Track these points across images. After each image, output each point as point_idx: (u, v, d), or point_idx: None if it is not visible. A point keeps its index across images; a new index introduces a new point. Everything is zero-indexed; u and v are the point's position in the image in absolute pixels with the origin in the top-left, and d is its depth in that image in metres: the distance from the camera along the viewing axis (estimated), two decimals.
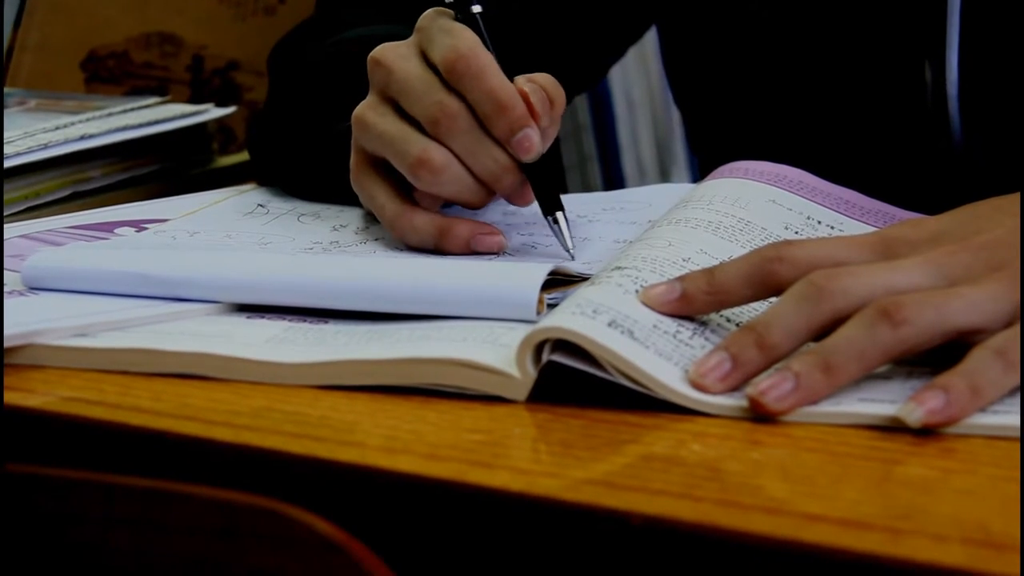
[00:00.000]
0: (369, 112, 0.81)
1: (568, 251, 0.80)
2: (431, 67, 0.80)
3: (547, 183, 0.81)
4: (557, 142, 0.98)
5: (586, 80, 1.14)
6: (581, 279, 0.72)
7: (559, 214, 0.80)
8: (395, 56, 0.81)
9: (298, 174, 0.95)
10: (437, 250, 0.81)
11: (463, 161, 0.79)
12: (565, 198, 0.91)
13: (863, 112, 0.94)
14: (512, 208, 0.89)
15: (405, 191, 0.82)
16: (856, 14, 0.93)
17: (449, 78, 0.79)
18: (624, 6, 1.07)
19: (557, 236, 0.80)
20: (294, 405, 0.64)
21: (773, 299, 0.64)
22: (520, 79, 0.79)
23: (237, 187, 1.00)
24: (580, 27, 1.05)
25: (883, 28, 0.92)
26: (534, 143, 0.78)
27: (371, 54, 0.82)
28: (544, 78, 0.80)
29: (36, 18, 1.39)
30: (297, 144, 0.94)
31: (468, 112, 0.79)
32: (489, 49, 0.80)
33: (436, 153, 0.79)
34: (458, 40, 0.79)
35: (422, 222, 0.81)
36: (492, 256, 0.81)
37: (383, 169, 0.82)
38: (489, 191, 0.81)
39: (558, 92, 0.80)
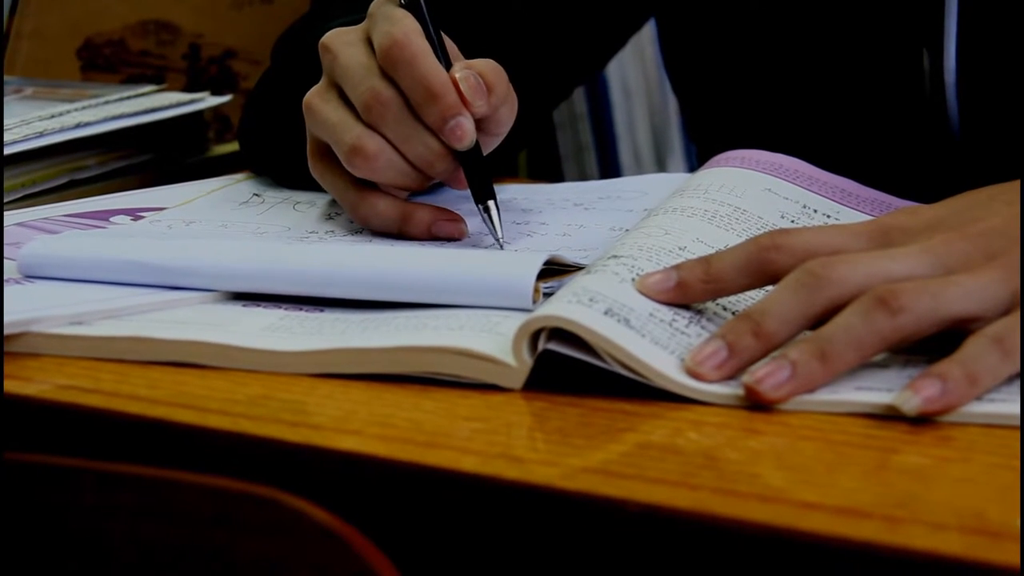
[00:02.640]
0: (315, 98, 0.82)
1: (498, 240, 0.80)
2: (375, 54, 0.80)
3: (479, 171, 0.80)
4: (541, 115, 0.98)
5: (586, 72, 1.13)
6: (577, 268, 0.72)
7: (490, 203, 0.80)
8: (341, 42, 0.81)
9: (285, 162, 0.95)
10: (399, 235, 0.82)
11: (397, 147, 0.79)
12: (561, 186, 0.91)
13: (861, 100, 0.94)
14: (508, 197, 0.89)
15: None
16: (854, 3, 0.93)
17: (384, 65, 0.79)
18: None
19: (487, 224, 0.80)
20: (290, 393, 0.64)
21: (769, 287, 0.64)
22: (457, 65, 0.79)
23: (233, 175, 1.00)
24: (580, 19, 1.05)
25: (881, 16, 0.92)
26: (466, 131, 0.78)
27: (322, 39, 0.82)
28: (483, 63, 0.80)
29: (32, 5, 1.39)
30: (282, 131, 0.94)
31: (400, 99, 0.79)
32: (432, 36, 0.80)
33: (369, 141, 0.79)
34: (394, 27, 0.79)
35: (384, 207, 0.82)
36: (492, 244, 0.81)
37: (335, 155, 0.82)
38: (426, 175, 0.81)
39: (498, 77, 0.79)
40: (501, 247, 0.79)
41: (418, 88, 0.78)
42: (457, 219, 0.82)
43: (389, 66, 0.78)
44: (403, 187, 0.82)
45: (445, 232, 0.82)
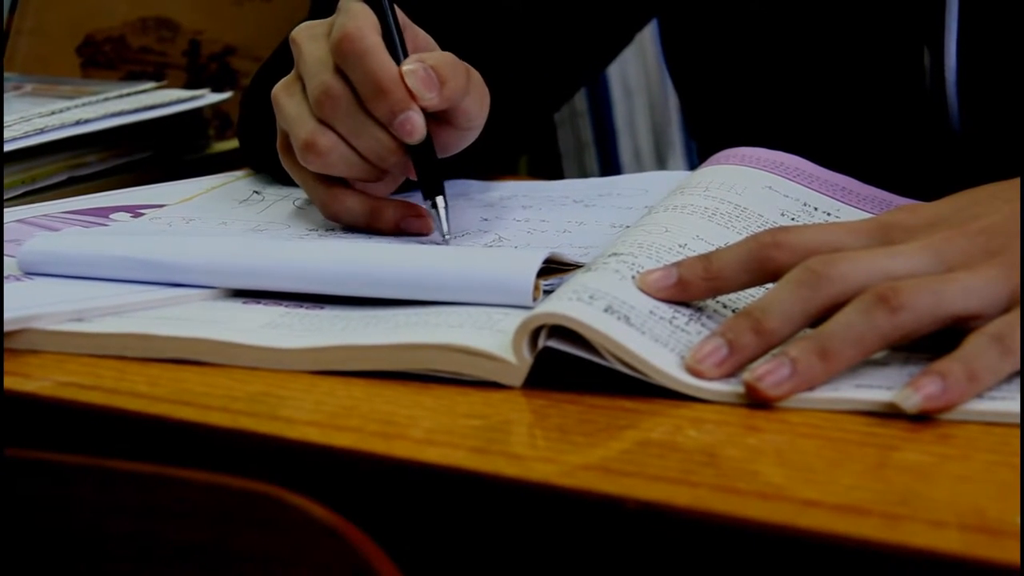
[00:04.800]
0: (281, 91, 0.82)
1: (444, 237, 0.80)
2: None
3: (428, 166, 0.80)
4: (543, 114, 0.98)
5: (588, 72, 1.13)
6: (577, 265, 0.72)
7: (439, 199, 0.80)
8: (306, 36, 0.81)
9: (274, 158, 0.95)
10: (368, 230, 0.82)
11: (349, 142, 0.79)
12: (561, 184, 0.91)
13: (862, 98, 0.94)
14: (507, 194, 0.89)
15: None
16: (855, 1, 0.93)
17: (336, 59, 0.79)
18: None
19: (435, 220, 0.80)
20: (290, 390, 0.64)
21: (770, 285, 0.64)
22: (410, 59, 0.79)
23: (233, 172, 0.99)
24: (583, 20, 1.05)
25: (882, 14, 0.92)
26: (415, 126, 0.78)
27: (292, 32, 0.82)
28: (437, 56, 0.80)
29: (32, 2, 1.39)
30: (269, 130, 0.93)
31: (351, 94, 0.79)
32: (392, 31, 0.79)
33: (321, 137, 0.79)
34: (348, 20, 0.79)
35: (353, 203, 0.82)
36: (492, 241, 0.81)
37: None
38: (381, 169, 0.81)
39: (453, 70, 0.79)
40: (446, 243, 0.79)
41: (367, 83, 0.78)
42: (423, 214, 0.82)
43: (340, 60, 0.79)
44: (361, 180, 0.81)
45: (413, 228, 0.82)
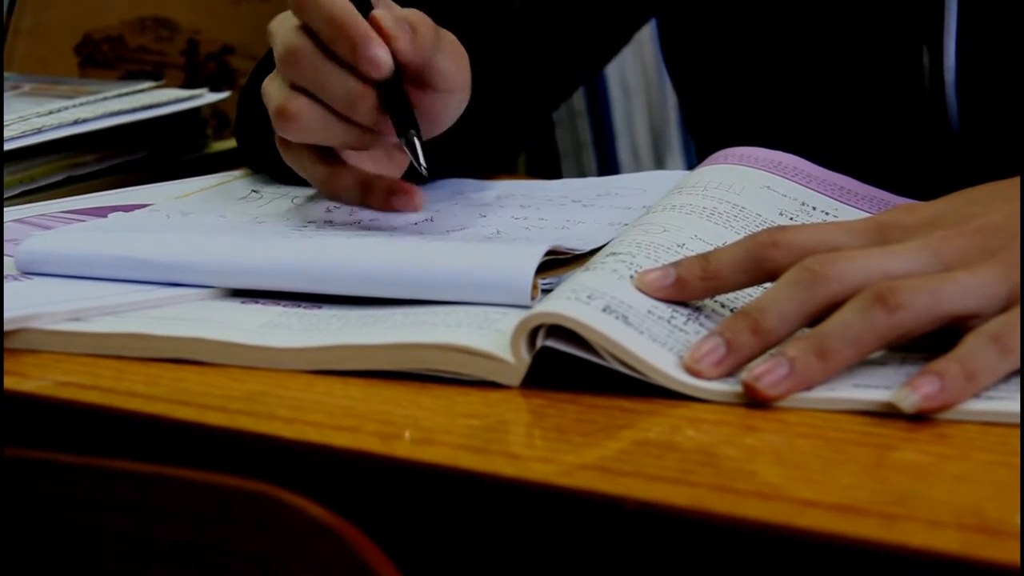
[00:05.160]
0: (265, 81, 0.82)
1: (421, 168, 0.79)
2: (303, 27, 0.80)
3: (399, 102, 0.80)
4: (543, 112, 0.98)
5: (586, 72, 1.13)
6: (576, 263, 0.72)
7: (411, 132, 0.80)
8: (278, 20, 0.82)
9: (272, 157, 0.95)
10: (363, 205, 0.83)
11: (319, 99, 0.79)
12: (559, 183, 0.91)
13: (861, 97, 0.94)
14: (505, 193, 0.89)
15: (329, 152, 0.83)
16: (854, 0, 0.93)
17: (295, 12, 0.79)
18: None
19: (410, 154, 0.80)
20: (288, 390, 0.64)
21: (768, 285, 0.64)
22: (378, 7, 0.79)
23: (231, 172, 0.99)
24: (581, 20, 1.05)
25: (881, 13, 0.92)
26: (381, 59, 0.77)
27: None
28: (406, 10, 0.80)
29: (31, 2, 1.39)
30: (264, 128, 0.93)
31: (313, 46, 0.79)
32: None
33: (292, 102, 0.79)
34: None
35: (347, 179, 0.83)
36: (489, 238, 0.81)
37: None
38: (359, 129, 0.80)
39: (422, 22, 0.79)
40: (425, 175, 0.79)
41: (326, 24, 0.78)
42: (411, 190, 0.82)
43: (297, 11, 0.79)
44: (336, 143, 0.81)
45: (399, 204, 0.82)
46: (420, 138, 0.80)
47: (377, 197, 0.83)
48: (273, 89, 0.81)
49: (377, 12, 0.78)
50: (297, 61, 0.79)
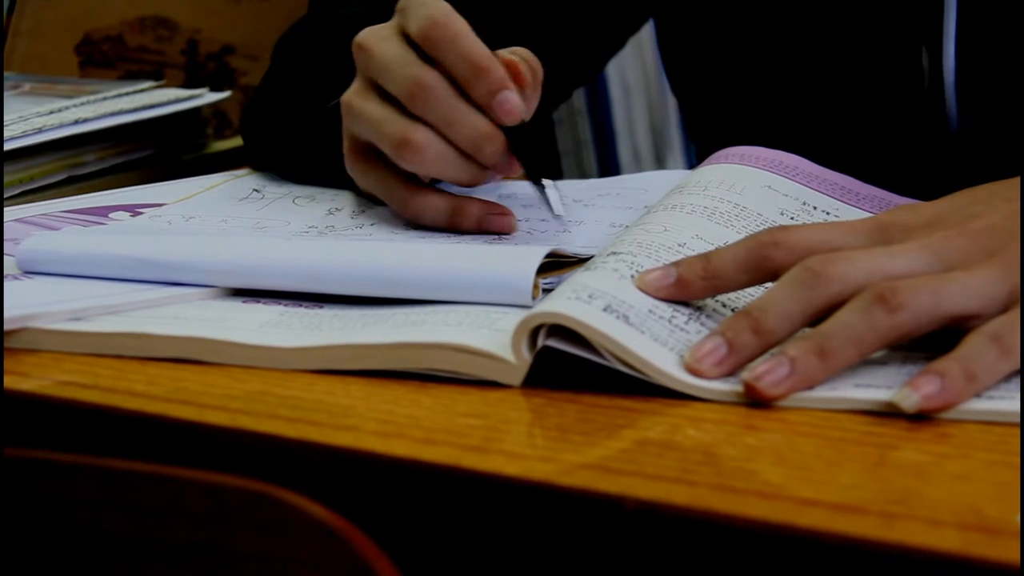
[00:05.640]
0: (355, 97, 0.81)
1: (555, 215, 0.79)
2: (412, 45, 0.80)
3: (532, 147, 0.80)
4: (545, 115, 0.98)
5: (585, 74, 1.13)
6: (577, 263, 0.72)
7: (545, 180, 0.80)
8: (375, 38, 0.81)
9: (289, 157, 0.95)
10: (449, 229, 0.82)
11: (444, 135, 0.79)
12: (561, 183, 0.91)
13: (860, 98, 0.94)
14: (507, 193, 0.89)
15: (406, 172, 0.82)
16: (853, 1, 0.93)
17: (425, 46, 0.78)
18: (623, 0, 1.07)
19: (544, 201, 0.80)
20: (289, 389, 0.64)
21: (769, 284, 0.64)
22: (501, 52, 0.79)
23: (232, 172, 0.99)
24: (579, 21, 1.05)
25: (880, 14, 0.92)
26: (515, 105, 0.78)
27: (355, 38, 0.82)
28: (524, 51, 0.80)
29: (31, 2, 1.39)
30: (287, 127, 0.94)
31: (445, 82, 0.78)
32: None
33: (416, 133, 0.78)
34: (432, 8, 0.79)
35: (436, 201, 0.82)
36: (491, 239, 0.81)
37: (379, 153, 0.82)
38: (479, 167, 0.80)
39: (537, 64, 0.80)
40: (557, 218, 0.79)
41: (463, 64, 0.77)
42: (507, 213, 0.82)
43: (431, 46, 0.78)
44: (455, 180, 0.81)
45: (496, 226, 0.81)
46: (556, 186, 0.80)
47: (469, 218, 0.81)
48: (380, 114, 0.80)
49: (511, 58, 0.78)
50: (427, 96, 0.78)
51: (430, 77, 0.78)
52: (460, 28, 0.78)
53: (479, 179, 0.81)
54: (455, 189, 0.84)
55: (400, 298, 0.70)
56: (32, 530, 0.57)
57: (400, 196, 0.82)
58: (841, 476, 0.54)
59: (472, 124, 0.78)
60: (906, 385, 0.58)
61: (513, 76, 0.78)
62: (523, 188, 0.93)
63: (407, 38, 0.80)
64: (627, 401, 0.61)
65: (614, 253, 0.68)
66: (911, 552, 0.48)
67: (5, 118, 0.98)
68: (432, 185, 0.83)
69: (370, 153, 0.82)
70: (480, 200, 0.82)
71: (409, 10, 0.80)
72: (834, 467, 0.55)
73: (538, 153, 0.80)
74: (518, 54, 0.79)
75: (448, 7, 0.79)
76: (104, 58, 1.41)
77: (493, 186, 0.92)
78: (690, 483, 0.53)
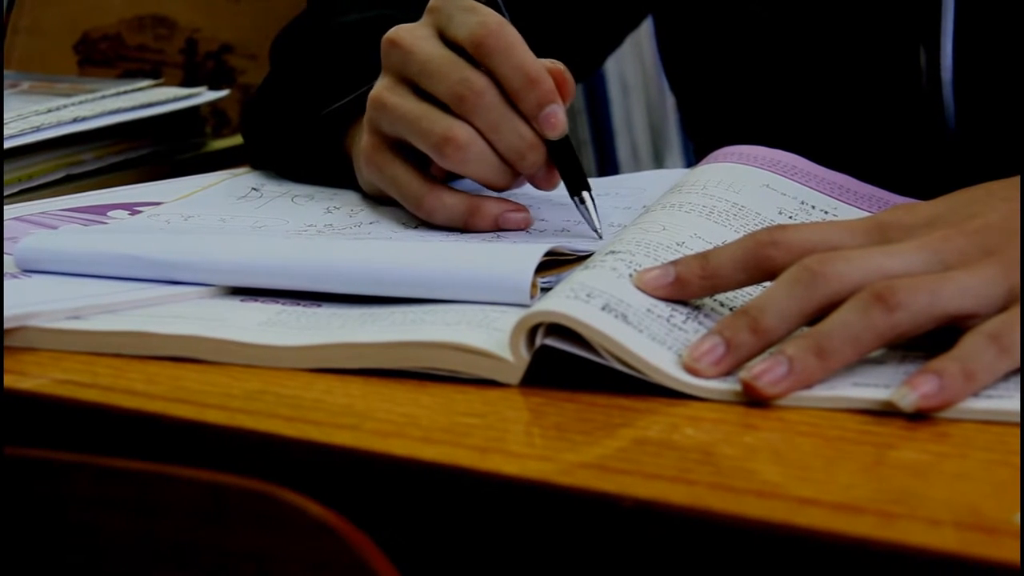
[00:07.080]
0: (387, 93, 0.81)
1: (596, 231, 0.80)
2: (450, 46, 0.80)
3: (572, 162, 0.81)
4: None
5: (583, 71, 1.14)
6: (575, 262, 0.72)
7: (585, 193, 0.80)
8: (413, 37, 0.81)
9: (290, 156, 0.95)
10: (465, 228, 0.82)
11: (487, 138, 0.79)
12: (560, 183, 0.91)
13: (858, 97, 0.94)
14: (519, 191, 0.90)
15: (424, 171, 0.82)
16: (852, 0, 0.93)
17: (477, 54, 0.79)
18: None
19: (585, 216, 0.80)
20: (288, 388, 0.64)
21: (767, 284, 0.64)
22: (544, 61, 0.80)
23: (230, 170, 0.99)
24: (577, 18, 1.05)
25: (878, 13, 0.92)
26: (560, 119, 0.79)
27: (386, 36, 0.82)
28: (558, 63, 0.81)
29: (29, 0, 1.39)
30: (290, 126, 0.94)
31: (494, 88, 0.79)
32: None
33: (461, 131, 0.79)
34: (486, 17, 0.79)
35: (452, 201, 0.82)
36: (489, 238, 0.81)
37: (401, 150, 0.82)
38: (514, 172, 0.81)
39: (571, 76, 0.81)
40: (600, 238, 0.79)
41: (516, 75, 0.78)
42: (523, 209, 0.82)
43: (484, 54, 0.79)
44: (489, 182, 0.81)
45: (512, 224, 0.82)
46: (594, 199, 0.80)
47: (486, 218, 0.82)
48: (420, 110, 0.80)
49: (557, 67, 0.79)
50: (477, 100, 0.78)
51: (481, 82, 0.79)
52: (514, 38, 0.79)
53: (511, 185, 0.82)
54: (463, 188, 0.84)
55: (399, 297, 0.70)
56: (31, 529, 0.57)
57: (416, 193, 0.82)
58: (839, 475, 0.54)
59: (518, 132, 0.79)
60: (904, 384, 0.58)
61: (559, 88, 0.79)
62: (525, 188, 0.93)
63: (444, 39, 0.80)
64: (625, 400, 0.61)
65: (612, 252, 0.68)
66: (909, 551, 0.48)
67: (4, 116, 0.98)
68: (446, 184, 0.83)
69: (395, 150, 0.83)
70: (497, 199, 0.82)
71: (449, 13, 0.80)
72: (832, 466, 0.55)
73: (577, 167, 0.81)
74: (557, 66, 0.80)
75: (499, 16, 0.80)
76: (103, 57, 1.41)
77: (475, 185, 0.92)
78: (688, 482, 0.53)
